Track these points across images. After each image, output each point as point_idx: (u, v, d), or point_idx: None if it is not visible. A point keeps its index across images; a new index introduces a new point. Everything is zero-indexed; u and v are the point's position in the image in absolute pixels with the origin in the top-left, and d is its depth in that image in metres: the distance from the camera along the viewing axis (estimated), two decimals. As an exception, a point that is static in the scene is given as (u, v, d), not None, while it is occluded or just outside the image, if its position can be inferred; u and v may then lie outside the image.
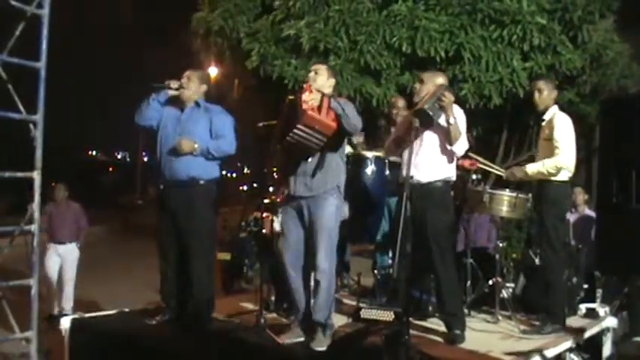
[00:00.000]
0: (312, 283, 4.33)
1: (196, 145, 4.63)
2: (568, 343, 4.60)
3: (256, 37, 7.97)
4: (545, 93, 4.96)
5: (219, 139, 4.75)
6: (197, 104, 4.83)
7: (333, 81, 4.46)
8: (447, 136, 4.46)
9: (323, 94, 4.11)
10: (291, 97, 4.31)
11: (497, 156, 8.60)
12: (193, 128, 4.74)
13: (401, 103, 5.96)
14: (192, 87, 4.81)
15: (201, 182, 4.72)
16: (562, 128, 4.81)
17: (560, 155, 4.75)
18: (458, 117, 4.47)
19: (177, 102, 4.87)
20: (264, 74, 7.85)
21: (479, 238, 6.65)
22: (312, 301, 4.28)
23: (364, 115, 6.99)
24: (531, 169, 4.89)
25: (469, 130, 4.81)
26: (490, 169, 5.46)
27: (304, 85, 4.22)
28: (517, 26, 7.27)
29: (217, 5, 8.32)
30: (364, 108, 7.47)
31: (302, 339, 4.30)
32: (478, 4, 7.34)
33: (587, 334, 4.94)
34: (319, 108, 4.06)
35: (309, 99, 4.04)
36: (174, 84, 4.79)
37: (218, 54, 8.83)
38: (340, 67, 7.39)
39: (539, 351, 4.29)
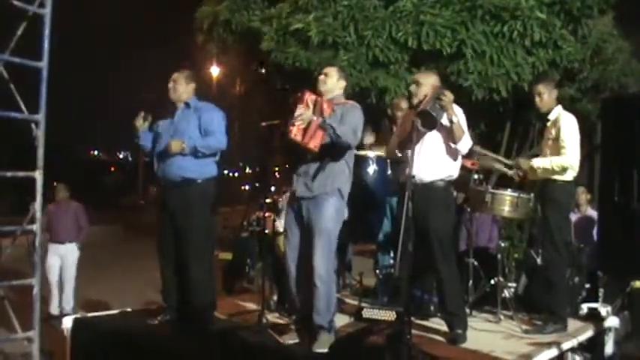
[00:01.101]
0: (312, 286, 4.30)
1: (184, 145, 4.64)
2: (570, 343, 4.60)
3: (270, 21, 8.09)
4: (546, 96, 4.96)
5: (208, 135, 4.76)
6: (187, 105, 4.86)
7: (343, 83, 4.44)
8: (448, 135, 4.46)
9: (314, 114, 4.08)
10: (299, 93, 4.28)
11: (499, 153, 8.59)
12: (185, 128, 4.77)
13: (404, 104, 5.93)
14: (179, 89, 4.84)
15: (198, 182, 4.74)
16: (568, 128, 4.82)
17: (567, 155, 4.76)
18: (458, 115, 4.46)
19: (170, 106, 4.92)
20: (275, 59, 7.88)
21: (481, 237, 6.63)
22: (313, 303, 4.25)
23: (377, 111, 6.95)
24: (538, 163, 4.89)
25: (469, 127, 4.80)
26: (497, 161, 5.41)
27: (306, 92, 4.19)
28: (517, 22, 7.29)
29: None
30: (378, 103, 7.50)
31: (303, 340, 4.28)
32: (478, 0, 7.35)
33: (589, 334, 4.94)
34: (305, 130, 4.07)
35: (299, 120, 4.04)
36: (139, 120, 4.85)
37: (223, 46, 8.87)
38: (354, 60, 7.45)
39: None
